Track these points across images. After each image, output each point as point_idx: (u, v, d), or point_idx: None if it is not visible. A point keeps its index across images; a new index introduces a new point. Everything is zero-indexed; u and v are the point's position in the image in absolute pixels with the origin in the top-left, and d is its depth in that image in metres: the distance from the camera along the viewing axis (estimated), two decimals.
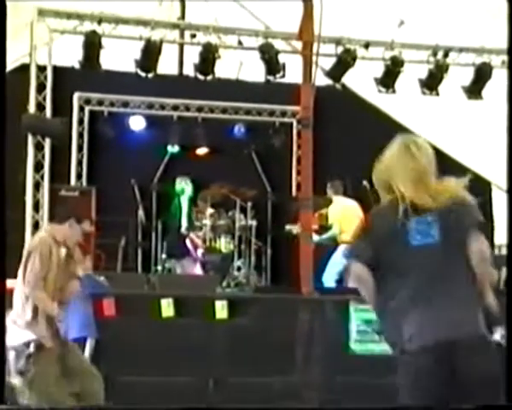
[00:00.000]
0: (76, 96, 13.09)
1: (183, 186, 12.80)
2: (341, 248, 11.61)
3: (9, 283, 6.59)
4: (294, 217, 11.61)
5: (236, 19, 12.04)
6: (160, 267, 12.80)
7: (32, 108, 10.59)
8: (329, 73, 11.40)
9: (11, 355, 6.59)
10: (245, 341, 9.48)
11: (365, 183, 11.99)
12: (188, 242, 12.34)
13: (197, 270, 11.97)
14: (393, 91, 11.50)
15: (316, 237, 11.36)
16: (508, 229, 9.26)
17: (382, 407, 5.44)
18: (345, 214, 11.63)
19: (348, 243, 11.43)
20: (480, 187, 13.70)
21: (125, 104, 13.44)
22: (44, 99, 10.84)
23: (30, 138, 10.51)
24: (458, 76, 11.58)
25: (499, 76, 11.49)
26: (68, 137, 12.31)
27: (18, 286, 6.85)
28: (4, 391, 8.19)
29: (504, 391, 4.17)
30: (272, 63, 11.00)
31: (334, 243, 11.63)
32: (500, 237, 13.57)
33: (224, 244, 12.43)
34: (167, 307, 9.44)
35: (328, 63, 11.37)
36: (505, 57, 11.40)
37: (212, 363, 9.43)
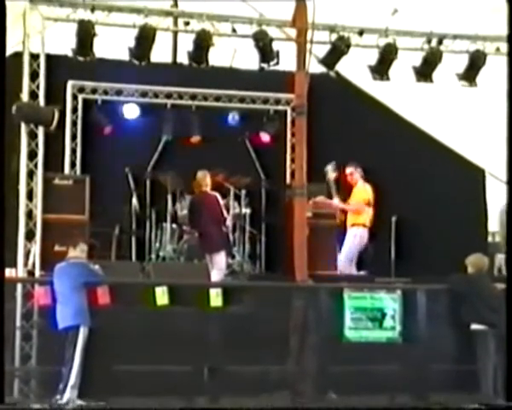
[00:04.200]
0: (69, 84, 13.05)
1: None
2: (352, 232, 11.72)
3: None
4: (288, 204, 11.59)
5: (230, 6, 11.99)
6: (154, 256, 12.80)
7: (25, 96, 10.54)
8: (323, 61, 11.37)
9: None
10: (239, 329, 9.49)
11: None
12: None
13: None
14: (387, 79, 11.47)
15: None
16: (508, 229, 9.31)
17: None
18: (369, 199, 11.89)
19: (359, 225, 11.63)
20: (473, 174, 13.76)
21: (119, 92, 13.40)
22: (38, 87, 10.77)
23: (23, 127, 10.47)
24: (452, 63, 11.57)
25: (493, 63, 11.48)
26: (62, 126, 12.26)
27: None
28: (4, 391, 8.24)
29: None
30: (266, 51, 10.96)
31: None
32: (493, 224, 13.62)
33: None
34: (162, 296, 9.45)
35: (322, 51, 11.34)
36: (499, 44, 11.38)
37: (206, 351, 9.45)
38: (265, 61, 11.02)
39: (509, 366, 5.95)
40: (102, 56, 11.14)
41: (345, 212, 12.09)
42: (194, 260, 12.27)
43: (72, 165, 13.05)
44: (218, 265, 11.42)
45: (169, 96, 13.57)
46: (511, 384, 5.80)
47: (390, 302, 9.96)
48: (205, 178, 11.91)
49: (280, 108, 13.93)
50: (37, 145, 10.63)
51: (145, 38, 10.64)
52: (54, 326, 9.02)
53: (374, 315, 9.86)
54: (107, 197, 12.37)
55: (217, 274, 11.23)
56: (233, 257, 12.76)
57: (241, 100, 13.81)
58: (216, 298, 9.59)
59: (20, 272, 10.20)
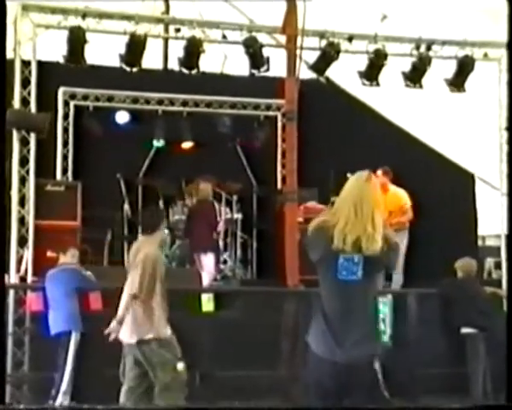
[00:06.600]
0: (61, 90, 13.09)
1: None
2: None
3: None
4: (279, 210, 11.64)
5: (220, 13, 12.06)
6: None
7: (16, 103, 10.58)
8: (313, 67, 11.43)
9: None
10: (231, 334, 9.52)
11: (349, 175, 12.06)
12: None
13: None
14: (377, 84, 11.54)
15: None
16: (507, 230, 9.35)
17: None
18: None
19: None
20: (463, 179, 13.83)
21: (110, 99, 13.45)
22: (29, 94, 10.81)
23: (15, 133, 10.50)
24: (441, 69, 11.65)
25: (481, 69, 11.57)
26: (53, 132, 12.30)
27: None
28: (5, 391, 8.24)
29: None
30: (256, 57, 11.02)
31: None
32: (483, 229, 13.68)
33: None
34: None
35: (312, 56, 11.41)
36: (487, 50, 11.49)
37: (198, 356, 9.46)
38: (256, 68, 11.08)
39: (508, 366, 6.00)
40: (94, 63, 11.18)
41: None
42: (186, 265, 12.32)
43: (64, 171, 13.08)
44: (207, 267, 11.44)
45: (160, 102, 13.62)
46: (511, 384, 5.85)
47: (381, 306, 10.01)
48: (207, 189, 11.97)
49: (270, 113, 13.99)
50: (28, 152, 10.66)
51: (136, 44, 10.69)
52: (46, 332, 9.04)
53: None
54: (99, 203, 12.39)
55: (206, 277, 11.24)
56: (225, 262, 12.81)
57: (232, 106, 13.87)
58: (208, 303, 9.62)
59: (12, 278, 10.22)
